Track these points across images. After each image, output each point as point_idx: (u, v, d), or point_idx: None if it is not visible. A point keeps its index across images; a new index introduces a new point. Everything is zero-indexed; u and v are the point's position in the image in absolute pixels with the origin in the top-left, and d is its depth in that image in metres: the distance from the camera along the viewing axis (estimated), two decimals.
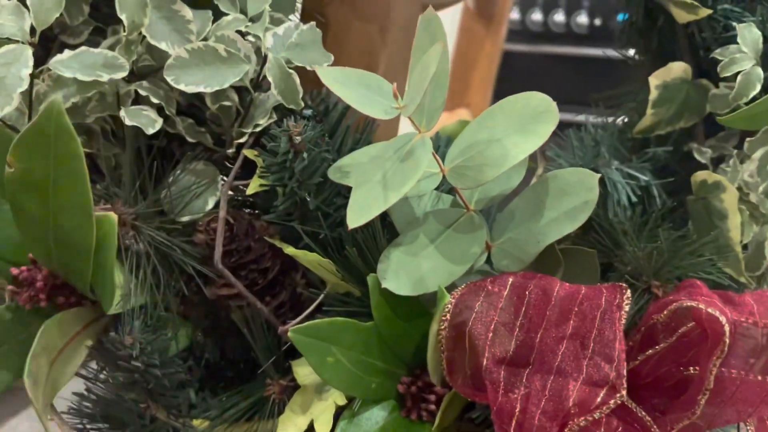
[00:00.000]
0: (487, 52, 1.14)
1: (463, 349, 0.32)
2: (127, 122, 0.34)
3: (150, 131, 0.35)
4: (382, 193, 0.31)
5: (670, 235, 0.37)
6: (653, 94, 0.39)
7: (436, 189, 0.38)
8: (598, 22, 1.46)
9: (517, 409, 0.31)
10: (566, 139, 0.39)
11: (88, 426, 0.47)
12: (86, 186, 0.28)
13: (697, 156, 0.40)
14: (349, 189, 0.34)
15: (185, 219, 0.38)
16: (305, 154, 0.34)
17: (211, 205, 0.39)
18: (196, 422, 0.39)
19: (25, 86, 0.31)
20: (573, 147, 0.38)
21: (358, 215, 0.31)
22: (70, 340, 0.33)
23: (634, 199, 0.37)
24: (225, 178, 0.39)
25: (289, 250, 0.35)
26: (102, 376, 0.41)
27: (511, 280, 0.33)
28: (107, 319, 0.36)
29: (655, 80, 0.39)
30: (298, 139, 0.33)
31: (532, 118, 0.33)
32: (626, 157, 0.40)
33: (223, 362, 0.42)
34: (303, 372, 0.38)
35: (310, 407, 0.37)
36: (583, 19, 1.46)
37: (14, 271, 0.33)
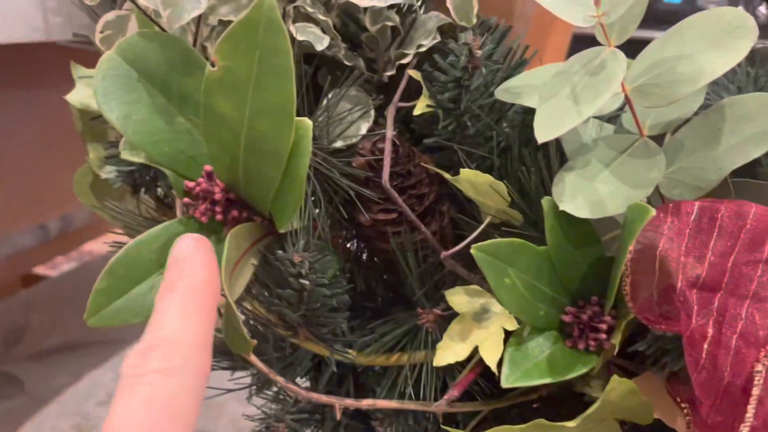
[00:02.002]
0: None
1: (651, 272, 0.31)
2: (298, 37, 0.34)
3: (319, 47, 0.34)
4: (574, 107, 0.30)
5: None
6: None
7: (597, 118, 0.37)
8: None
9: (710, 334, 0.30)
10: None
11: (214, 360, 0.47)
12: (290, 84, 0.27)
13: None
14: (513, 111, 0.33)
15: (339, 145, 0.38)
16: (483, 69, 0.33)
17: (364, 131, 0.38)
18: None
19: None
20: (746, 72, 0.37)
21: (547, 130, 0.30)
22: (242, 255, 0.33)
23: None
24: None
25: (463, 173, 0.34)
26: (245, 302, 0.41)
27: (698, 203, 0.32)
28: (270, 239, 0.35)
29: None
30: (478, 53, 0.32)
31: (726, 34, 0.31)
32: None
33: (368, 294, 0.41)
34: (459, 301, 0.37)
35: (470, 335, 0.36)
36: None
37: (189, 184, 0.32)
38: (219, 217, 0.32)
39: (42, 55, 0.59)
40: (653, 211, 0.29)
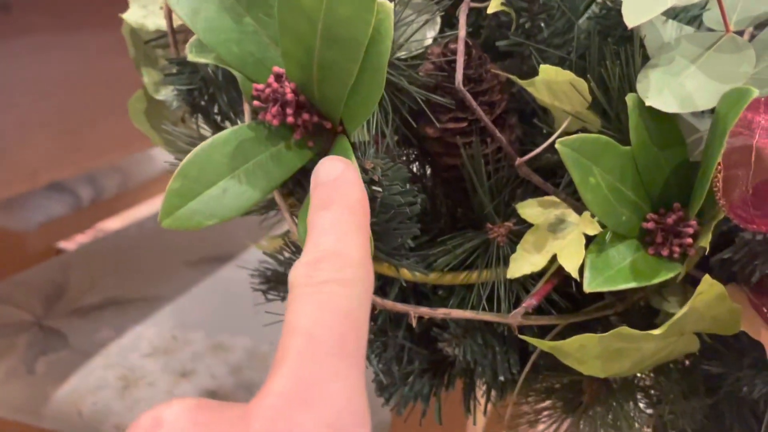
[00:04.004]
0: None
1: (746, 165, 0.30)
2: None
3: None
4: None
5: None
6: None
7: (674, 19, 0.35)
8: None
9: None
10: None
11: (271, 290, 0.47)
12: None
13: None
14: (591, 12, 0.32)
15: (403, 54, 0.37)
16: None
17: (430, 39, 0.37)
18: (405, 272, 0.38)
19: None
20: None
21: (637, 13, 0.29)
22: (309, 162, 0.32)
23: None
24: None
25: (542, 70, 0.32)
26: None
27: None
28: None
29: None
30: None
31: None
32: None
33: (434, 214, 0.40)
34: (532, 213, 0.36)
35: (546, 245, 0.35)
36: None
37: (258, 86, 0.31)
38: (290, 119, 0.31)
39: None
40: (754, 92, 0.28)
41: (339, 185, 0.27)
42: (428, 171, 0.41)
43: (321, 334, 0.22)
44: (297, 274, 0.25)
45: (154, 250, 1.01)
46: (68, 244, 1.41)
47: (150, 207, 1.46)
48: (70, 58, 0.66)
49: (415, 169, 0.41)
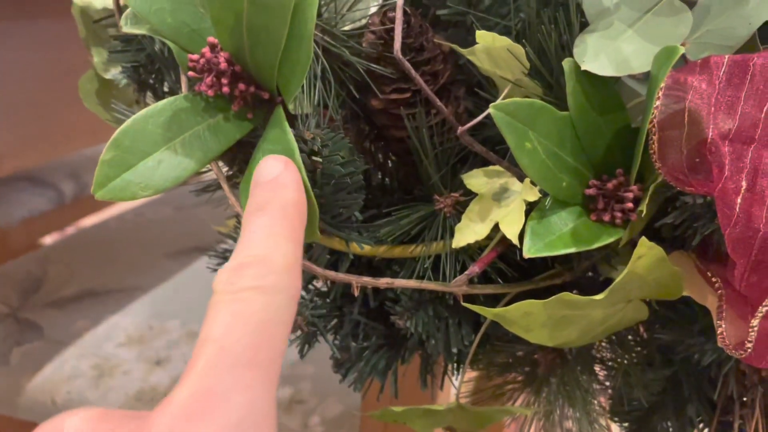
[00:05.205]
0: None
1: (680, 126, 0.30)
2: None
3: None
4: None
5: None
6: None
7: None
8: None
9: (743, 188, 0.29)
10: None
11: None
12: None
13: None
14: None
15: (347, 27, 0.37)
16: None
17: (374, 9, 0.37)
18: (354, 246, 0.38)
19: None
20: None
21: None
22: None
23: None
24: None
25: (479, 36, 0.32)
26: None
27: (727, 56, 0.30)
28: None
29: None
30: None
31: None
32: None
33: (383, 187, 0.40)
34: (477, 182, 0.36)
35: (490, 214, 0.35)
36: None
37: (193, 57, 0.31)
38: (226, 89, 0.31)
39: None
40: (681, 49, 0.28)
41: (276, 187, 0.27)
42: (380, 146, 0.41)
43: (231, 345, 0.22)
44: (219, 279, 0.25)
45: (133, 242, 1.01)
46: (50, 240, 1.41)
47: (131, 201, 1.46)
48: (30, 47, 0.65)
49: (366, 145, 0.40)
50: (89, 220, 1.51)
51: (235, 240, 0.45)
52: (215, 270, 0.46)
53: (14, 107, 0.71)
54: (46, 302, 0.85)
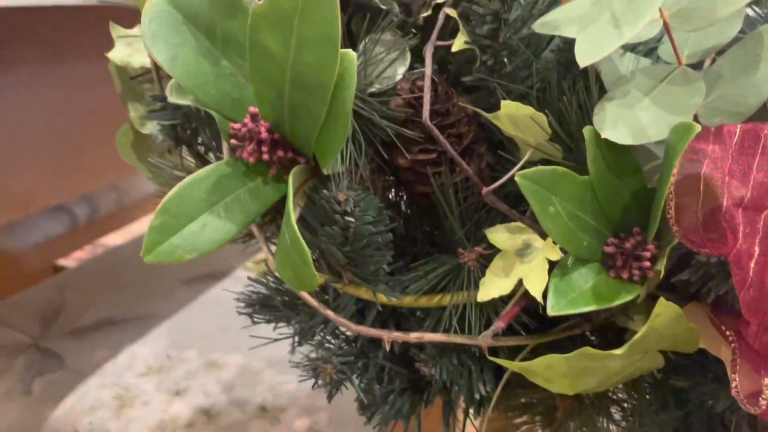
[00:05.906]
0: None
1: (695, 193, 0.31)
2: None
3: None
4: (615, 31, 0.31)
5: None
6: None
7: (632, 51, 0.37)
8: None
9: (757, 253, 0.31)
10: None
11: (256, 314, 0.48)
12: (335, 14, 0.27)
13: None
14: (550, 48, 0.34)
15: (376, 88, 0.38)
16: (521, 1, 0.33)
17: (400, 75, 0.38)
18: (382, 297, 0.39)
19: None
20: None
21: (589, 53, 0.31)
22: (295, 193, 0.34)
23: None
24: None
25: (503, 105, 0.34)
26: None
27: (740, 126, 0.32)
28: (314, 182, 0.36)
29: None
30: None
31: None
32: None
33: (408, 240, 0.42)
34: (500, 238, 0.37)
35: (514, 269, 0.36)
36: None
37: (235, 125, 0.33)
38: (265, 156, 0.33)
39: (71, 27, 0.59)
40: (698, 127, 0.29)
41: None
42: (405, 198, 0.43)
43: None
44: None
45: (148, 268, 1.03)
46: (66, 261, 1.42)
47: (145, 223, 1.48)
48: (59, 89, 0.67)
49: (391, 196, 0.42)
50: (105, 240, 1.53)
51: (264, 286, 0.46)
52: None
53: (40, 148, 0.74)
54: (65, 331, 0.86)
